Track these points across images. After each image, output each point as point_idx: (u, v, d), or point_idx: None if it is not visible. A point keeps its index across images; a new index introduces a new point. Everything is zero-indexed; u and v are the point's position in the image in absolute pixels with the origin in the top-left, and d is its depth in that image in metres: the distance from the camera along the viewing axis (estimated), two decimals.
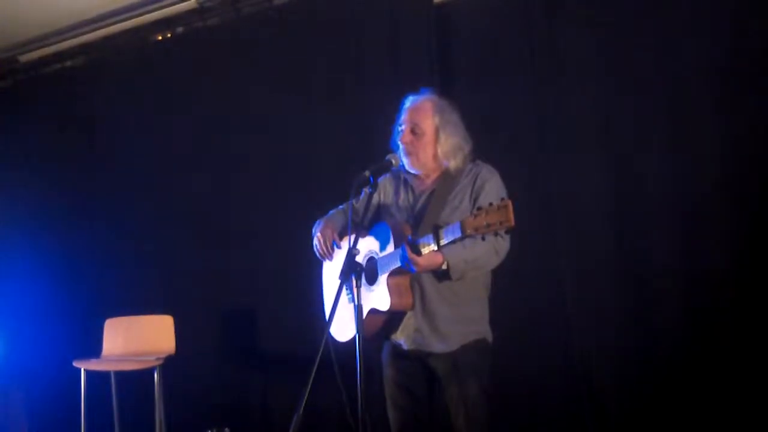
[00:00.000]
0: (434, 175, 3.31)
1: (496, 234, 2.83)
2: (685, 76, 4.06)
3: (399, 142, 3.30)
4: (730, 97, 3.93)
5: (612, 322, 4.20)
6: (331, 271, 3.47)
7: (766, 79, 3.85)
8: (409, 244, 2.99)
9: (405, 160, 3.28)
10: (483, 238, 2.83)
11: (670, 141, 4.09)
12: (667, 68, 4.11)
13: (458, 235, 2.85)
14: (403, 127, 3.31)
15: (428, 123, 3.27)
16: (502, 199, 2.77)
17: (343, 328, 3.22)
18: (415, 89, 3.43)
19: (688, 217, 4.04)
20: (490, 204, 2.75)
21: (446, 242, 2.91)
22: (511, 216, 2.70)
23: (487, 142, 3.49)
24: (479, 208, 2.78)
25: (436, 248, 2.95)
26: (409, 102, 3.36)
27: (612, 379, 4.19)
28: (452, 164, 3.26)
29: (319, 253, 3.42)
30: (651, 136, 4.14)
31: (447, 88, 3.96)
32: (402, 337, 3.26)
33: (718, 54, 3.96)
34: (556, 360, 4.31)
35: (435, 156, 3.27)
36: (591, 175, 4.30)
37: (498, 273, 3.31)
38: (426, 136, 3.26)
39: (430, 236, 2.94)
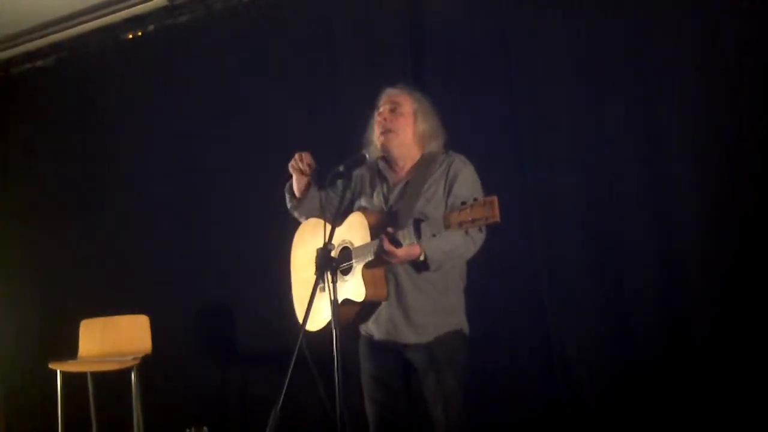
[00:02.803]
0: (408, 165, 3.32)
1: (480, 229, 2.84)
2: (658, 75, 4.08)
3: (377, 125, 3.32)
4: (702, 99, 3.95)
5: (588, 313, 4.22)
6: (300, 260, 3.48)
7: (736, 79, 3.87)
8: (388, 235, 3.00)
9: (383, 140, 3.29)
10: (466, 233, 2.84)
11: (643, 139, 4.12)
12: (639, 67, 4.13)
13: (441, 229, 2.85)
14: (381, 108, 3.34)
15: (407, 105, 3.32)
16: (489, 195, 2.76)
17: (314, 318, 3.20)
18: (392, 84, 3.45)
19: (661, 212, 4.07)
20: (476, 199, 2.76)
21: (428, 236, 2.92)
22: (497, 212, 2.70)
23: (462, 141, 3.49)
24: (464, 203, 2.78)
25: (416, 242, 2.96)
26: (386, 92, 3.40)
27: (589, 368, 4.21)
28: (428, 148, 3.30)
29: (292, 167, 3.41)
30: (624, 134, 4.16)
31: (420, 86, 3.96)
32: (373, 328, 3.28)
33: (689, 55, 3.99)
34: (534, 351, 4.33)
35: (415, 136, 3.30)
36: (566, 172, 4.32)
37: (474, 266, 3.32)
38: (405, 116, 3.30)
39: (411, 229, 2.94)
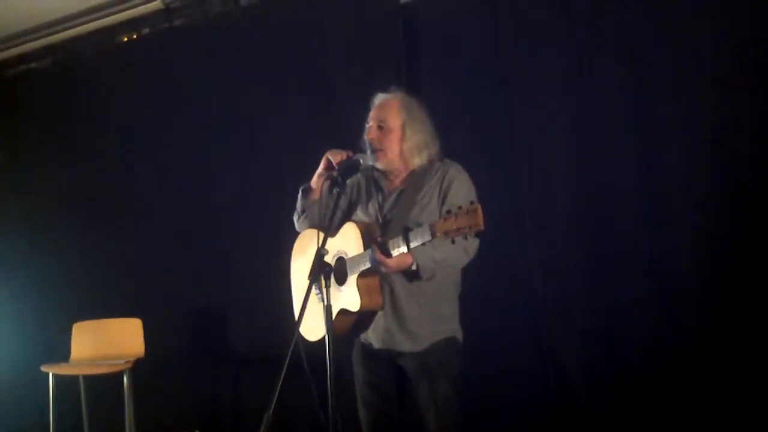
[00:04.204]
0: (403, 174, 3.32)
1: (465, 237, 2.85)
2: (655, 75, 4.08)
3: (366, 139, 3.31)
4: (700, 97, 3.94)
5: (582, 319, 4.23)
6: (299, 271, 3.47)
7: (736, 78, 3.87)
8: (379, 245, 3.01)
9: (372, 157, 3.28)
10: (453, 242, 2.84)
11: (639, 141, 4.11)
12: (636, 69, 4.12)
13: (428, 238, 2.86)
14: (370, 123, 3.32)
15: (395, 119, 3.27)
16: (472, 202, 2.78)
17: (313, 328, 3.22)
18: (383, 89, 3.44)
19: (657, 217, 4.06)
20: (460, 207, 2.77)
21: (416, 245, 2.93)
22: (481, 220, 2.71)
23: (455, 142, 3.50)
24: (449, 212, 2.80)
25: (405, 250, 2.96)
26: (377, 99, 3.37)
27: (582, 374, 4.21)
28: (417, 161, 3.27)
29: (333, 153, 3.28)
30: (621, 136, 4.15)
31: (414, 89, 3.97)
32: (372, 337, 3.28)
33: (688, 53, 3.98)
34: (527, 358, 4.33)
35: (401, 152, 3.27)
36: (561, 176, 4.32)
37: (468, 273, 3.32)
38: (393, 132, 3.26)
39: (400, 238, 2.95)
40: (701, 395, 3.85)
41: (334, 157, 3.28)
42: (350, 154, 3.28)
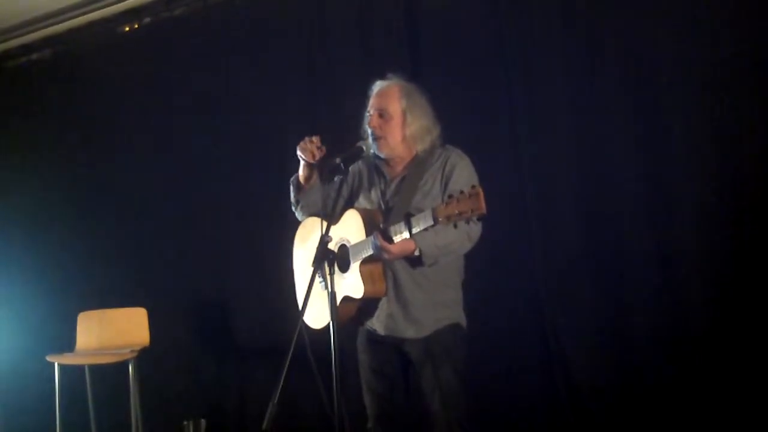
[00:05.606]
0: (405, 161, 3.32)
1: (467, 222, 2.86)
2: (658, 69, 4.06)
3: (367, 127, 3.31)
4: (702, 94, 3.94)
5: (586, 309, 4.22)
6: (301, 259, 3.48)
7: (736, 77, 3.86)
8: (381, 231, 3.02)
9: (374, 145, 3.28)
10: (455, 226, 2.85)
11: (642, 133, 4.10)
12: (639, 60, 4.12)
13: (430, 222, 2.87)
14: (370, 111, 3.32)
15: (395, 106, 3.28)
16: (473, 186, 2.79)
17: (317, 316, 3.24)
18: (383, 76, 3.43)
19: (660, 208, 4.06)
20: (461, 192, 2.77)
21: (418, 230, 2.93)
22: (483, 204, 2.72)
23: (456, 128, 3.49)
24: (450, 196, 2.80)
25: (408, 236, 2.97)
26: (376, 87, 3.37)
27: (587, 363, 4.21)
28: (420, 147, 3.28)
29: (302, 148, 3.30)
30: (623, 128, 4.15)
31: (416, 76, 3.96)
32: (376, 324, 3.28)
33: (690, 50, 3.97)
34: (532, 346, 4.33)
35: (404, 139, 3.28)
36: (562, 165, 4.32)
37: (472, 260, 3.33)
38: (394, 119, 3.27)
39: (402, 224, 2.96)
40: (707, 389, 3.85)
41: (304, 152, 3.29)
42: (322, 147, 3.27)
